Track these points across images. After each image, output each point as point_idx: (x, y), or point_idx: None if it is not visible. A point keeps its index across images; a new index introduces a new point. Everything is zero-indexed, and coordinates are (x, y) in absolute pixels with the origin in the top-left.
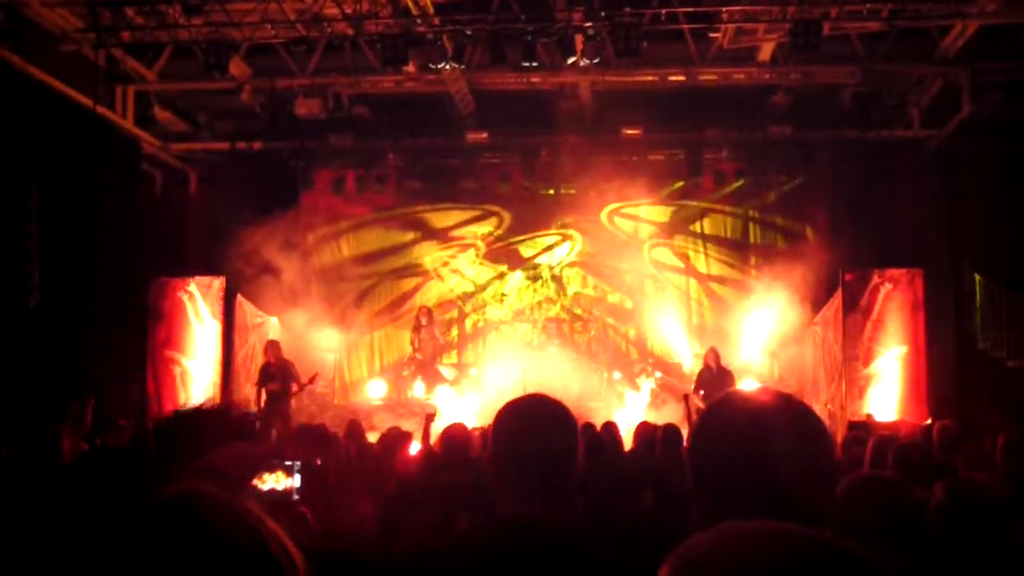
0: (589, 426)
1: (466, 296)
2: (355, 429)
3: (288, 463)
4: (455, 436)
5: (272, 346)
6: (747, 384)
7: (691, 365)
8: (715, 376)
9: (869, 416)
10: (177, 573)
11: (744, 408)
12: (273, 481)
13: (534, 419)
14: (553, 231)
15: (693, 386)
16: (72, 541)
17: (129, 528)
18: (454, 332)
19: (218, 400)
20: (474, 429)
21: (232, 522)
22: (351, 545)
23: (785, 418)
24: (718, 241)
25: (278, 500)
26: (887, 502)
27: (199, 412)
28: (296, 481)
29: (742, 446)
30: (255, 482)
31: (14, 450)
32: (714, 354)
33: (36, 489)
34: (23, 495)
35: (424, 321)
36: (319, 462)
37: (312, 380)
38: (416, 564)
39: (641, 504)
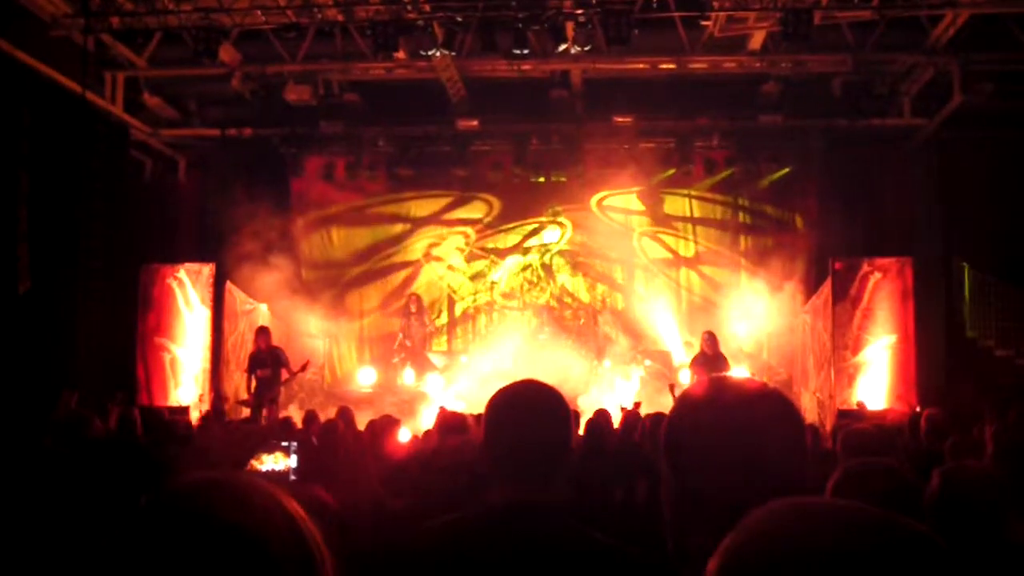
0: (578, 414)
1: (456, 284)
2: (347, 415)
3: (285, 444)
4: (450, 422)
5: (262, 332)
6: (735, 372)
7: (680, 353)
8: (710, 361)
9: (860, 404)
10: (213, 561)
11: (718, 395)
12: (272, 462)
13: (527, 405)
14: (543, 219)
15: (689, 370)
16: (95, 527)
17: (158, 515)
18: (444, 319)
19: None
20: (467, 415)
21: (267, 511)
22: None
23: (758, 405)
24: (708, 229)
25: (276, 480)
26: (883, 488)
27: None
28: (293, 461)
29: (716, 433)
30: (253, 463)
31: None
32: (710, 338)
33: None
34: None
35: (413, 308)
36: (315, 441)
37: (304, 368)
38: (412, 547)
39: (635, 494)
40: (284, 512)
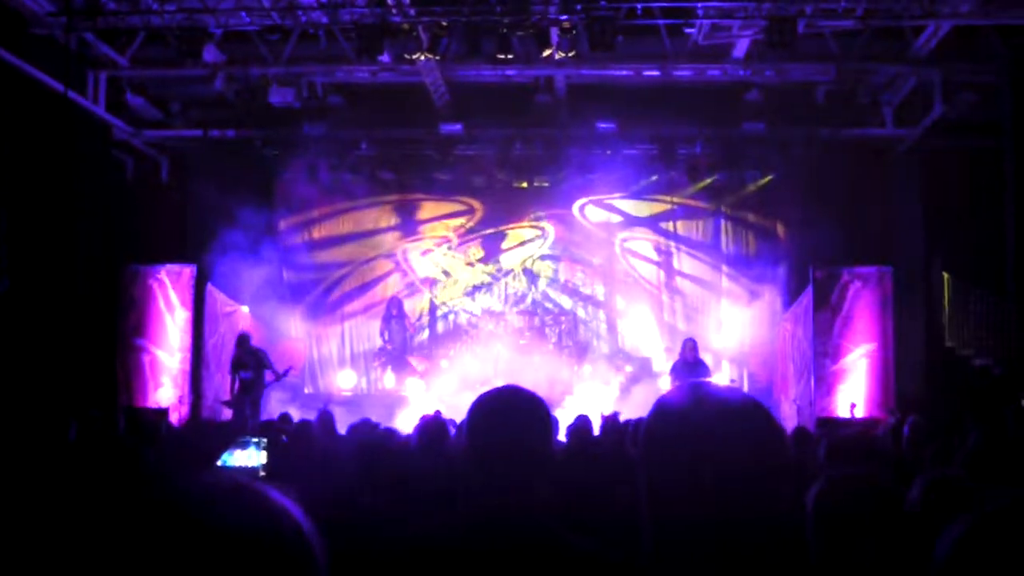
0: (557, 420)
1: (437, 287)
2: (326, 419)
3: (256, 440)
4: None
5: (244, 335)
6: (714, 379)
7: (660, 358)
8: (690, 367)
9: (852, 406)
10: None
11: (695, 402)
12: (243, 458)
13: (509, 410)
14: (526, 224)
15: (669, 377)
16: (77, 528)
17: (158, 519)
18: (425, 323)
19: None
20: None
21: (271, 513)
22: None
23: (735, 412)
24: (690, 236)
25: (246, 477)
26: (864, 498)
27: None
28: (263, 458)
29: (692, 440)
30: (225, 458)
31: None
32: (691, 345)
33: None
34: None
35: (395, 312)
36: (285, 439)
37: (287, 373)
38: (391, 551)
39: (615, 500)
40: (286, 513)
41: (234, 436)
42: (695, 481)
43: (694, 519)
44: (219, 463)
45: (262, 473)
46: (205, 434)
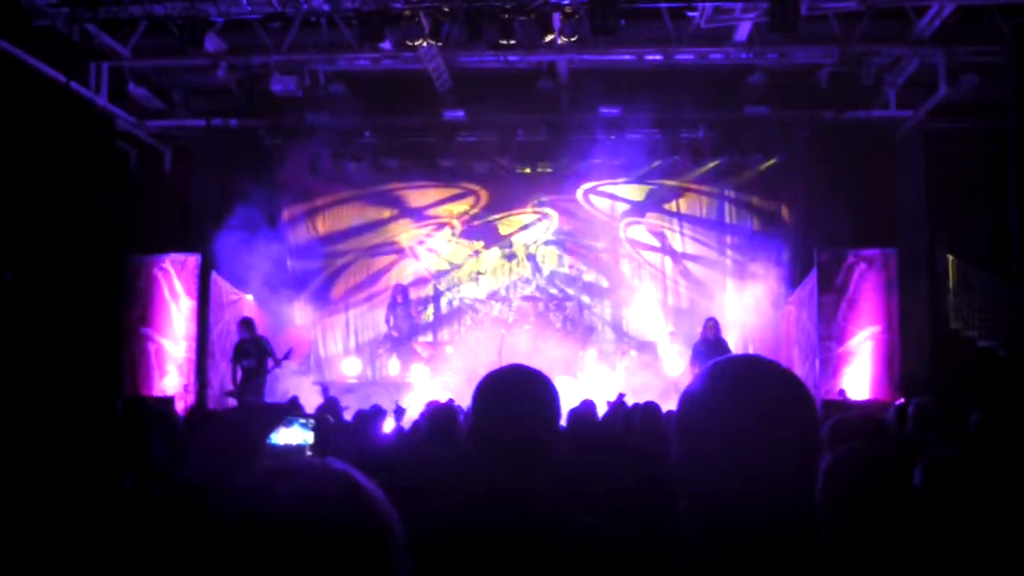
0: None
1: (441, 274)
2: (333, 406)
3: (303, 420)
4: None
5: (247, 323)
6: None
7: (666, 342)
8: (711, 346)
9: (842, 391)
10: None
11: (731, 374)
12: (289, 437)
13: (516, 389)
14: (529, 210)
15: (689, 357)
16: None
17: (260, 504)
18: (429, 310)
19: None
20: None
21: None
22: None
23: (773, 384)
24: (694, 220)
25: (293, 455)
26: (872, 475)
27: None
28: (311, 437)
29: (727, 412)
30: (272, 437)
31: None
32: (712, 324)
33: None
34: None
35: (399, 299)
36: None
37: (287, 356)
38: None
39: (621, 485)
40: (368, 495)
41: (270, 413)
42: (732, 457)
43: (732, 497)
44: (268, 442)
45: (309, 452)
46: (235, 413)
